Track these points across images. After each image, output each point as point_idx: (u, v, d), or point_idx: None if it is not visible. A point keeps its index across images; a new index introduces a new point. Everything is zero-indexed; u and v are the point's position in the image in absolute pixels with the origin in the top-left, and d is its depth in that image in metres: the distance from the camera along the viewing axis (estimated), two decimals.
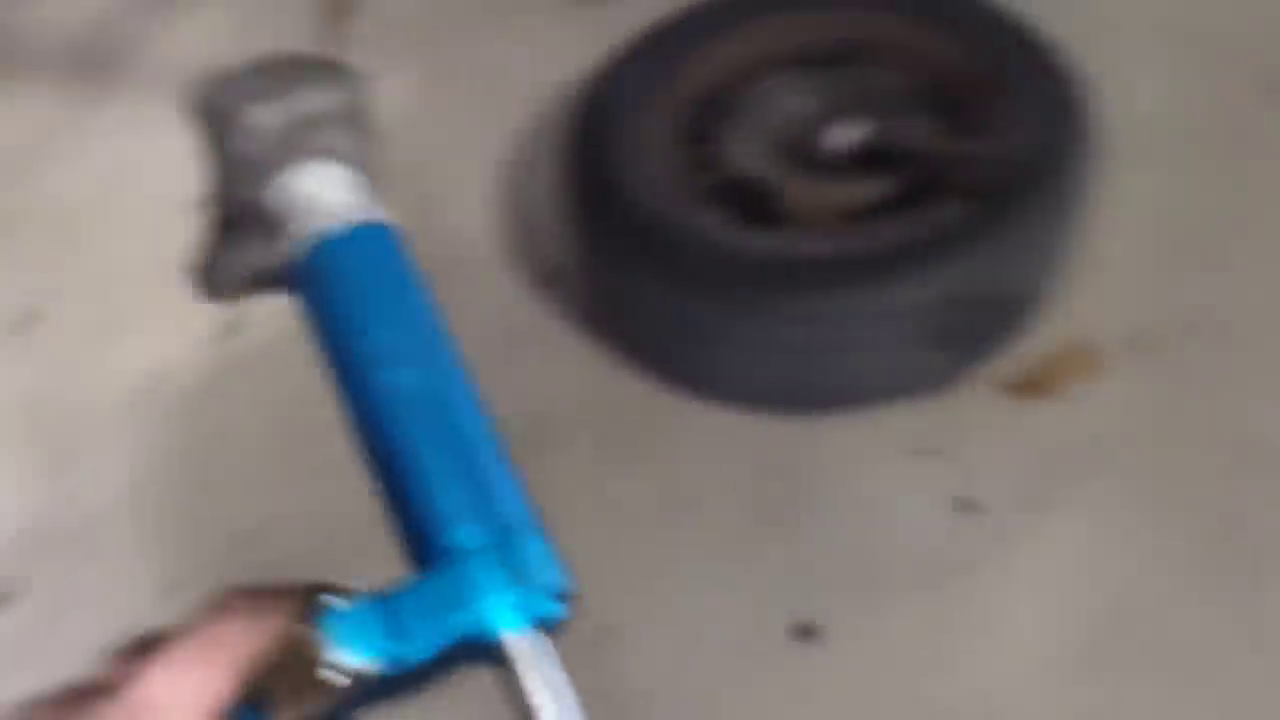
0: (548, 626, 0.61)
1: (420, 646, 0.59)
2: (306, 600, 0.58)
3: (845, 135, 1.84)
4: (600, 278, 1.81)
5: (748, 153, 1.83)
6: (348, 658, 0.58)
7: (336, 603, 0.59)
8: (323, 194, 0.75)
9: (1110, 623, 1.55)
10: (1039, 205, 1.65)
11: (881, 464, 1.72)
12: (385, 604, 0.59)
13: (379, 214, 0.75)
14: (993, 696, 1.50)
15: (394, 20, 2.60)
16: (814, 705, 1.53)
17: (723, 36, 1.95)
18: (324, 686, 0.57)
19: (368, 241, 0.74)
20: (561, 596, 0.61)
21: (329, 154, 0.77)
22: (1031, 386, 1.77)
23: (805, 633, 1.58)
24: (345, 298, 0.72)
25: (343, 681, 0.57)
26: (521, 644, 0.60)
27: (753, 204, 1.75)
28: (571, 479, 1.75)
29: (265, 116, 0.76)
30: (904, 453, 1.73)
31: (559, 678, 0.60)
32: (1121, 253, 1.89)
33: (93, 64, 2.66)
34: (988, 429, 1.73)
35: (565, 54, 2.19)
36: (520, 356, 1.92)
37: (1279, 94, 2.15)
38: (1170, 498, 1.64)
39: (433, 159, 2.27)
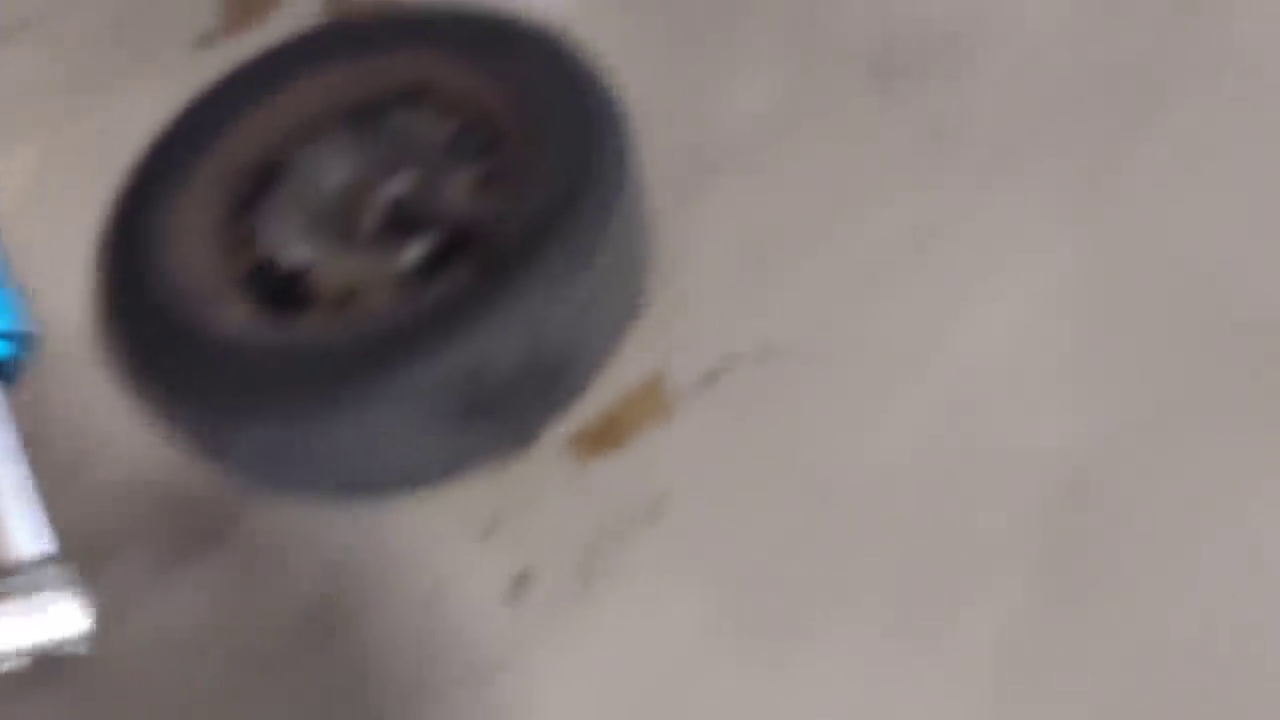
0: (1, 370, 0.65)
1: None
2: None
3: (380, 200, 1.73)
4: (130, 379, 1.69)
5: (282, 229, 1.72)
6: None
7: None
8: None
9: (658, 703, 1.47)
10: (550, 263, 1.54)
11: (445, 549, 1.63)
12: None
13: None
14: None
15: (12, 91, 2.45)
16: None
17: (272, 96, 1.82)
18: None
19: None
20: (14, 338, 0.66)
21: None
22: (600, 442, 1.69)
23: None
24: None
25: None
26: None
27: (284, 287, 1.65)
28: (130, 590, 1.65)
29: None
30: (469, 533, 1.64)
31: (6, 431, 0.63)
32: (703, 281, 1.81)
33: None
34: (553, 494, 1.65)
35: None
36: (96, 462, 1.81)
37: (889, 79, 2.08)
38: (726, 548, 1.57)
39: (40, 243, 2.14)
